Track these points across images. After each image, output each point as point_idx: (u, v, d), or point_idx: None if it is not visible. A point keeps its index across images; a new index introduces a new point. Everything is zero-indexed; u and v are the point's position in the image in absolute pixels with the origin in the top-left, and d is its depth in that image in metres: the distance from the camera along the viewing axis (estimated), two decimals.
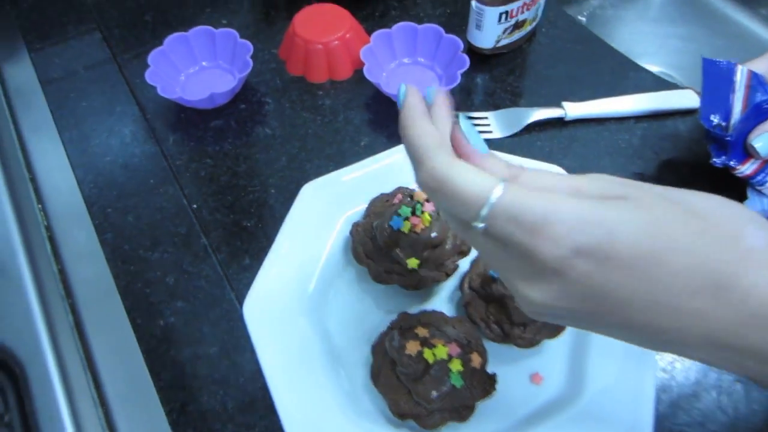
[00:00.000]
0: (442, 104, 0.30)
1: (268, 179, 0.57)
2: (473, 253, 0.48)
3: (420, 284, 0.46)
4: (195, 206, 0.55)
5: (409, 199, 0.47)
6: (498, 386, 0.42)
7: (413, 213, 0.46)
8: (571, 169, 0.53)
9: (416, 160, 0.27)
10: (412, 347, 0.41)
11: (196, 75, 0.64)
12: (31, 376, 0.47)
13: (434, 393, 0.40)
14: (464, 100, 0.61)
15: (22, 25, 0.70)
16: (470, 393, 0.41)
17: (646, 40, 0.81)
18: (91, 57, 0.67)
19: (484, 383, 0.42)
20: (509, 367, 0.45)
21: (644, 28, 0.84)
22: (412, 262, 0.46)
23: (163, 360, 0.47)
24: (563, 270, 0.24)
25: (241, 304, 0.48)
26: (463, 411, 0.42)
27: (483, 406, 0.43)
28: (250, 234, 0.53)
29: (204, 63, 0.64)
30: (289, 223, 0.51)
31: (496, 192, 0.25)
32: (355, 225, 0.49)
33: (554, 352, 0.45)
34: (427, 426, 0.42)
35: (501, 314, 0.44)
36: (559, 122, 0.58)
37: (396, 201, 0.48)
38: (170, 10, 0.71)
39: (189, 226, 0.54)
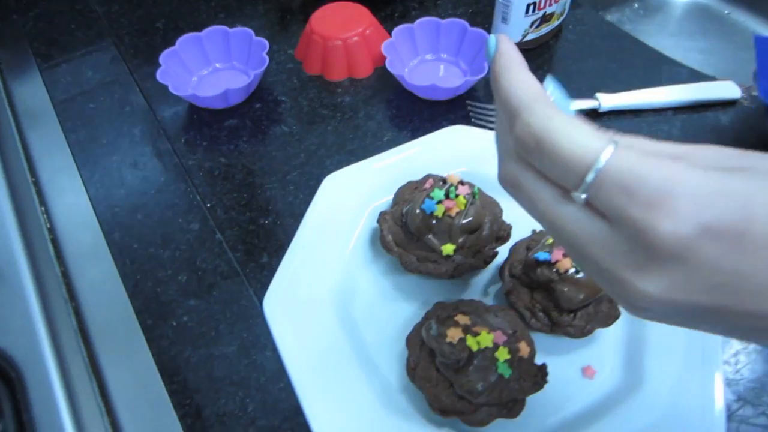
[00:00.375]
0: (515, 53, 0.26)
1: (285, 176, 0.54)
2: (512, 240, 0.45)
3: (456, 273, 0.43)
4: (209, 205, 0.52)
5: (441, 182, 0.44)
6: (549, 381, 0.38)
7: (446, 196, 0.43)
8: None
9: (511, 113, 0.23)
10: (453, 334, 0.37)
11: (209, 77, 0.62)
12: (29, 381, 0.42)
13: (480, 384, 0.36)
14: (491, 95, 0.59)
15: (29, 33, 0.68)
16: (519, 385, 0.37)
17: (666, 54, 0.81)
18: (99, 60, 0.65)
19: (533, 374, 0.38)
20: (559, 359, 0.41)
21: (664, 42, 0.83)
22: (447, 249, 0.42)
23: (175, 362, 0.43)
24: (687, 253, 0.20)
25: (260, 300, 0.45)
26: (512, 406, 0.37)
27: (531, 402, 0.38)
28: (267, 231, 0.50)
29: (218, 64, 0.62)
30: (311, 215, 0.48)
31: (606, 154, 0.21)
32: (383, 214, 0.46)
33: (607, 343, 0.41)
34: (472, 423, 0.37)
35: (548, 301, 0.40)
36: (592, 114, 0.56)
37: (427, 186, 0.45)
38: (183, 18, 0.70)
39: (202, 222, 0.50)
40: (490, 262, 0.43)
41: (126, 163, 0.55)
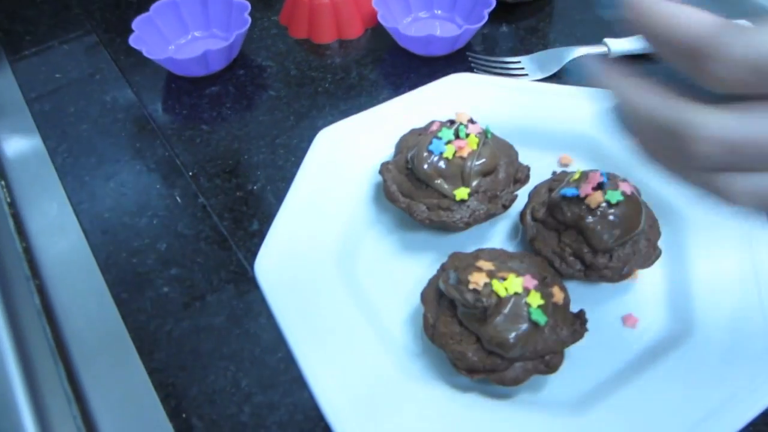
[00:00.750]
0: None
1: (274, 140, 0.49)
2: (531, 183, 0.40)
3: (472, 221, 0.38)
4: (191, 173, 0.47)
5: (449, 123, 0.40)
6: (588, 333, 0.33)
7: (456, 136, 0.38)
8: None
9: (704, 44, 0.18)
10: (477, 279, 0.32)
11: (187, 46, 0.57)
12: None
13: (512, 334, 0.31)
14: (491, 49, 0.55)
15: None
16: (556, 335, 0.32)
17: None
18: (66, 30, 0.60)
19: (571, 323, 0.33)
20: (596, 309, 0.36)
21: None
22: (461, 193, 0.37)
23: (155, 337, 0.37)
24: None
25: (251, 266, 0.39)
26: (549, 360, 0.32)
27: (569, 356, 0.33)
28: (257, 197, 0.45)
29: (196, 33, 0.58)
30: (305, 173, 0.43)
31: None
32: (385, 164, 0.41)
33: (648, 288, 0.37)
34: (506, 382, 0.32)
35: (579, 243, 0.35)
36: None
37: (434, 128, 0.40)
38: None
39: (184, 188, 0.45)
40: (509, 206, 0.39)
41: (96, 131, 0.50)
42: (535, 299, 0.32)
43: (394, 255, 0.40)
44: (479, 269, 0.33)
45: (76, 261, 0.42)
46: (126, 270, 0.40)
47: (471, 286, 0.32)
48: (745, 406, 0.31)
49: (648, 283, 0.37)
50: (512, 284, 0.32)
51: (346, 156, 0.44)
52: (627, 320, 0.35)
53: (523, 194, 0.40)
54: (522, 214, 0.38)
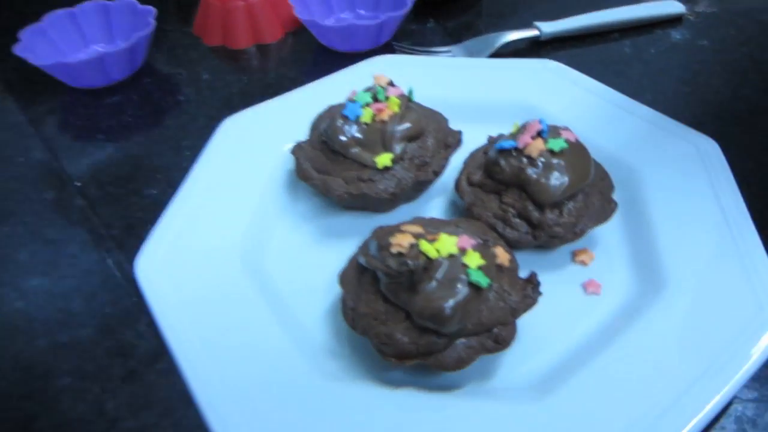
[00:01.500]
0: None
1: (180, 142, 0.43)
2: (465, 150, 0.35)
3: (398, 190, 0.32)
4: (79, 184, 0.40)
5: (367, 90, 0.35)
6: (543, 303, 0.27)
7: (375, 99, 0.33)
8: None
9: None
10: (401, 240, 0.26)
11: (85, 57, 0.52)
12: None
13: (449, 302, 0.24)
14: (419, 41, 0.51)
15: None
16: (504, 301, 0.26)
17: None
18: None
19: (521, 288, 0.27)
20: (552, 276, 0.30)
21: None
22: (383, 159, 0.32)
23: None
24: None
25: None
26: (498, 333, 0.25)
27: (525, 334, 0.27)
28: (154, 203, 0.38)
29: (98, 48, 0.52)
30: (206, 161, 0.37)
31: None
32: (298, 143, 0.35)
33: (608, 248, 0.31)
34: (446, 365, 0.25)
35: (523, 201, 0.30)
36: (535, 46, 0.49)
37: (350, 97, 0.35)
38: None
39: (59, 190, 0.38)
40: (440, 172, 0.33)
41: None
42: (473, 259, 0.25)
43: (311, 245, 0.33)
44: (403, 232, 0.27)
45: None
46: None
47: (394, 250, 0.25)
48: (731, 370, 0.24)
49: (608, 242, 0.31)
50: (445, 244, 0.26)
51: (255, 144, 0.38)
52: (588, 286, 0.29)
53: (458, 163, 0.34)
54: (457, 182, 0.33)
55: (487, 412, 0.24)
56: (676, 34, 0.50)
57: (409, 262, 0.25)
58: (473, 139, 0.35)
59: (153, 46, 0.50)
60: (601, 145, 0.35)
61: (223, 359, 0.27)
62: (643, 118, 0.36)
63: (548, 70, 0.41)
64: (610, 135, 0.35)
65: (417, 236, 0.26)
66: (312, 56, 0.51)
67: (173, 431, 0.25)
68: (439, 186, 0.35)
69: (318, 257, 0.33)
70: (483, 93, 0.40)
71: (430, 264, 0.25)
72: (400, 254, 0.25)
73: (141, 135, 0.44)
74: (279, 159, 0.37)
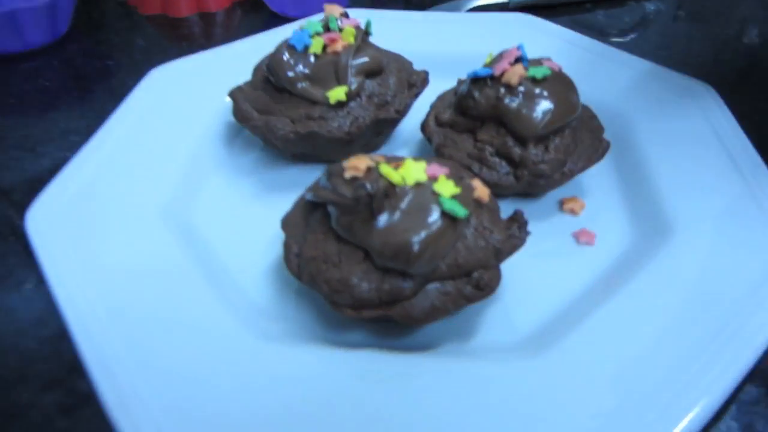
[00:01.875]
0: None
1: (104, 106, 0.37)
2: (433, 92, 0.30)
3: (354, 129, 0.27)
4: None
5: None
6: (530, 251, 0.22)
7: (327, 29, 0.29)
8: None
9: None
10: (356, 163, 0.20)
11: None
12: None
13: (417, 234, 0.19)
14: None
15: None
16: (484, 240, 0.21)
17: None
18: None
19: (505, 227, 0.22)
20: (539, 226, 0.25)
21: None
22: (336, 93, 0.27)
23: None
24: None
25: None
26: (480, 277, 0.20)
27: (512, 283, 0.22)
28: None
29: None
30: (124, 112, 0.31)
31: None
32: (238, 86, 0.30)
33: (600, 196, 0.27)
34: (416, 316, 0.20)
35: (502, 137, 0.25)
36: (502, 8, 0.46)
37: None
38: None
39: None
40: (403, 111, 0.28)
41: None
42: (446, 187, 0.21)
43: (251, 200, 0.28)
44: (359, 158, 0.21)
45: None
46: None
47: (348, 174, 0.20)
48: (754, 327, 0.20)
49: (600, 186, 0.27)
50: (410, 171, 0.21)
51: (186, 94, 0.33)
52: (581, 236, 0.25)
53: (425, 107, 0.30)
54: (423, 123, 0.28)
55: (467, 376, 0.19)
56: (650, 6, 0.48)
57: (367, 185, 0.20)
58: (445, 77, 0.31)
59: (81, 15, 0.45)
60: (585, 92, 0.31)
61: (131, 327, 0.21)
62: (630, 66, 0.33)
63: (524, 22, 0.37)
64: (595, 84, 0.32)
65: (377, 163, 0.21)
66: (264, 26, 0.46)
67: (56, 408, 0.19)
68: (404, 133, 0.30)
69: (259, 213, 0.27)
70: (454, 46, 0.36)
71: (392, 190, 0.20)
72: (354, 178, 0.20)
73: (57, 99, 0.38)
74: (215, 111, 0.32)
